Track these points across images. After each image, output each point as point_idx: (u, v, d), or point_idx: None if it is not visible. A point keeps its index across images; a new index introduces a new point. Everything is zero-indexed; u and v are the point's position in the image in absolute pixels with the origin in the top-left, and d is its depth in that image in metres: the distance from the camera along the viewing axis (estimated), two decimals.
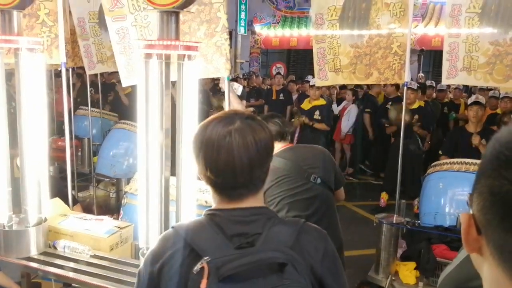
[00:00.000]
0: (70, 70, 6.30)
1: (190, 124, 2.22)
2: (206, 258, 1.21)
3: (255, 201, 1.39)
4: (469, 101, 5.92)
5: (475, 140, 5.29)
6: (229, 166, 1.30)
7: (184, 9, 2.19)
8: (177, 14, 2.16)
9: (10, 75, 3.50)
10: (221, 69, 2.89)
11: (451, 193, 4.72)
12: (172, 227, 1.40)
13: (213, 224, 1.33)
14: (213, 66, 2.85)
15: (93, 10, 5.09)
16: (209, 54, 2.83)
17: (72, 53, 5.59)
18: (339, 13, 4.60)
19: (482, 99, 5.96)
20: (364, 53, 4.57)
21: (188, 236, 1.31)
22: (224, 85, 3.51)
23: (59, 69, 6.67)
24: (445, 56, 4.44)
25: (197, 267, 1.21)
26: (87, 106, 6.66)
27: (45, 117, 2.85)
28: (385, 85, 8.64)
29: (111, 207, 5.78)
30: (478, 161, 4.56)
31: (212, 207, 1.40)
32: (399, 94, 8.65)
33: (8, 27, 2.62)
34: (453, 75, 4.40)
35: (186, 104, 2.20)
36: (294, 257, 1.28)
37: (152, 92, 2.16)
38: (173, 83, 2.27)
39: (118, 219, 3.68)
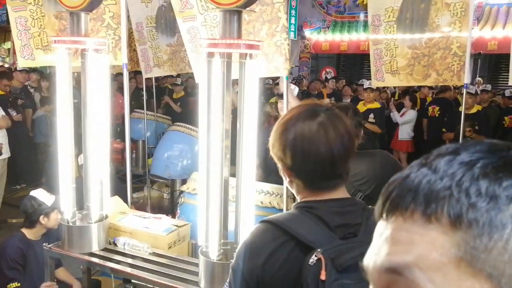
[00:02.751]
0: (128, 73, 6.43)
1: (251, 123, 2.23)
2: (319, 249, 1.21)
3: (344, 192, 1.40)
4: None
5: None
6: (328, 158, 1.32)
7: (246, 8, 2.20)
8: (239, 13, 2.17)
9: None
10: (280, 69, 2.89)
11: None
12: (266, 221, 1.37)
13: (312, 216, 1.32)
14: (273, 66, 2.85)
15: (151, 15, 5.18)
16: (270, 54, 2.83)
17: (128, 57, 5.69)
18: (396, 14, 4.52)
19: None
20: (423, 54, 4.47)
21: (290, 229, 1.30)
22: (282, 89, 3.49)
23: (114, 73, 6.89)
24: None
25: (313, 259, 1.21)
26: (141, 109, 6.82)
27: (108, 117, 2.91)
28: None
29: (164, 208, 5.84)
30: None
31: (303, 200, 1.40)
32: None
33: (76, 29, 2.71)
34: None
35: (248, 103, 2.20)
36: None
37: (215, 90, 2.18)
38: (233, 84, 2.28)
39: (174, 219, 3.73)
